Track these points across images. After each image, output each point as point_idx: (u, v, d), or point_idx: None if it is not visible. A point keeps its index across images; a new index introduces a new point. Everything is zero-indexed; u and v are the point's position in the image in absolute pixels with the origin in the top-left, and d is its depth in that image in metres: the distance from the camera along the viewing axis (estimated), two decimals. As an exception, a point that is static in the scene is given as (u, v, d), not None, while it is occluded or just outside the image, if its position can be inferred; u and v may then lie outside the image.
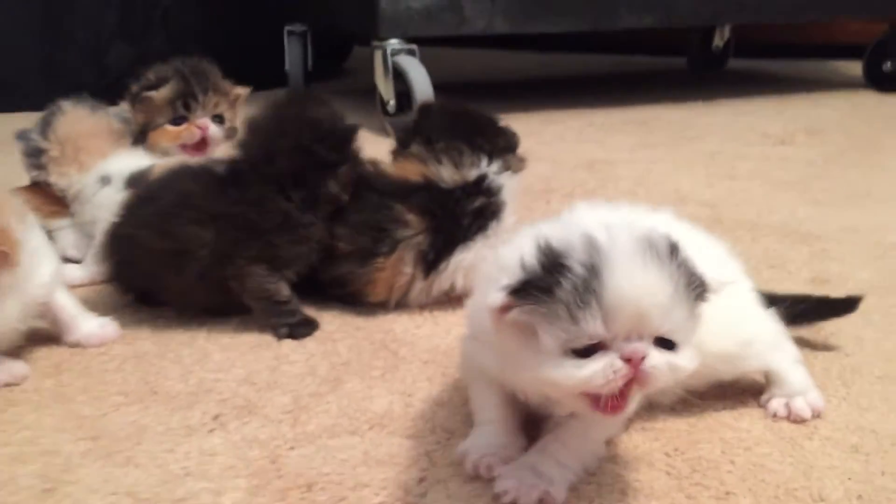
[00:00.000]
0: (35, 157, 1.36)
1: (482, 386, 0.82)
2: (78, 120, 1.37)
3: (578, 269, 0.65)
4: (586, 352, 0.65)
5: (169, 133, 1.42)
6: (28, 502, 0.75)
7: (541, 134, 2.28)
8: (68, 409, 0.91)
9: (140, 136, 1.42)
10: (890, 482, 0.76)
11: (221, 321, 1.12)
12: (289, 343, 1.07)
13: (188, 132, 1.42)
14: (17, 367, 0.98)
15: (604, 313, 0.64)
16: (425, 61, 2.26)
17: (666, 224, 0.83)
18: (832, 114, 2.50)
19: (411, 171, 1.17)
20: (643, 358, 0.65)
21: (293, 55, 2.98)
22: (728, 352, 0.85)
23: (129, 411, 0.91)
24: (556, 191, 1.73)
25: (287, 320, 1.09)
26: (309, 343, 1.07)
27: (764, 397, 0.89)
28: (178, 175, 1.16)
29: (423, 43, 2.34)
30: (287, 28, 2.95)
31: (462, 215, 1.15)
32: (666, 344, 0.67)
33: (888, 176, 1.84)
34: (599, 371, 0.65)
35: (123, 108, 1.44)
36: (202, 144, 1.42)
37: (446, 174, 1.15)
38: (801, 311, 0.96)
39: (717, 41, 3.37)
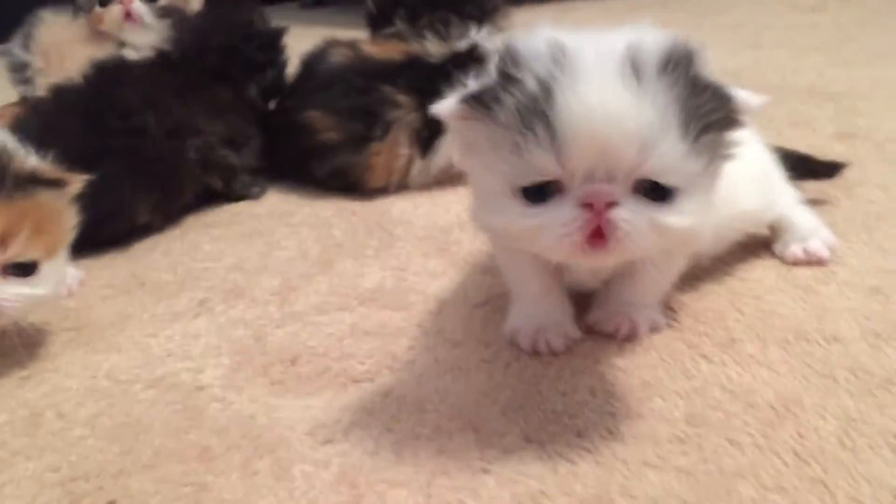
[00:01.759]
0: (20, 71, 1.33)
1: (514, 256, 0.68)
2: (59, 28, 1.33)
3: (530, 83, 0.50)
4: (541, 193, 0.51)
5: (96, 15, 1.35)
6: (3, 389, 0.73)
7: (558, 24, 2.17)
8: (54, 303, 0.88)
9: None
10: (911, 318, 0.71)
11: (213, 217, 1.08)
12: (282, 230, 1.03)
13: (110, 12, 1.34)
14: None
15: (556, 144, 0.49)
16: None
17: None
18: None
19: (394, 50, 1.11)
20: (609, 205, 0.50)
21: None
22: (755, 207, 0.78)
23: (115, 302, 0.88)
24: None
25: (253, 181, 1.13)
26: (302, 229, 1.03)
27: (777, 246, 0.83)
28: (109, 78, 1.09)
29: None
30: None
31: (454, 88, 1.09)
32: (658, 193, 0.51)
33: (925, 33, 1.72)
34: (551, 222, 0.51)
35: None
36: (128, 22, 1.35)
37: (433, 48, 1.09)
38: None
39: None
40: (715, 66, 1.61)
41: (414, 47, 1.10)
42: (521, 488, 0.56)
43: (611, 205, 0.50)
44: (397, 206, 1.08)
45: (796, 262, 0.81)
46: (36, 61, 1.31)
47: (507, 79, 0.52)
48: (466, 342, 0.74)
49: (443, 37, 1.09)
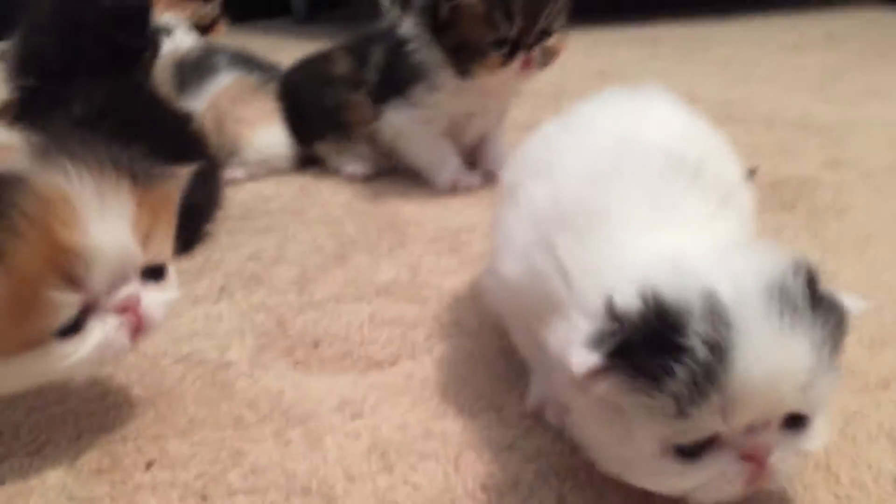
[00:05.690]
0: None
1: (524, 329, 0.63)
2: None
3: (700, 350, 0.46)
4: (694, 448, 0.49)
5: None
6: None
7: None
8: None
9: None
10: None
11: (224, 212, 1.10)
12: (295, 224, 1.06)
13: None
14: None
15: (726, 404, 0.46)
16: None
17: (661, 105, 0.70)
18: (848, 24, 2.44)
19: None
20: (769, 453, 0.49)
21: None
22: None
23: (136, 285, 0.90)
24: (567, 94, 1.70)
25: None
26: (314, 225, 1.06)
27: None
28: None
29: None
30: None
31: None
32: (797, 422, 0.49)
33: (907, 77, 1.80)
34: (712, 480, 0.49)
35: None
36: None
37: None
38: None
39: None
40: (708, 96, 1.65)
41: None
42: (544, 464, 0.59)
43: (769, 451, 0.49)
44: (407, 209, 1.11)
45: None
46: None
47: (668, 343, 0.46)
48: (482, 332, 0.78)
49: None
